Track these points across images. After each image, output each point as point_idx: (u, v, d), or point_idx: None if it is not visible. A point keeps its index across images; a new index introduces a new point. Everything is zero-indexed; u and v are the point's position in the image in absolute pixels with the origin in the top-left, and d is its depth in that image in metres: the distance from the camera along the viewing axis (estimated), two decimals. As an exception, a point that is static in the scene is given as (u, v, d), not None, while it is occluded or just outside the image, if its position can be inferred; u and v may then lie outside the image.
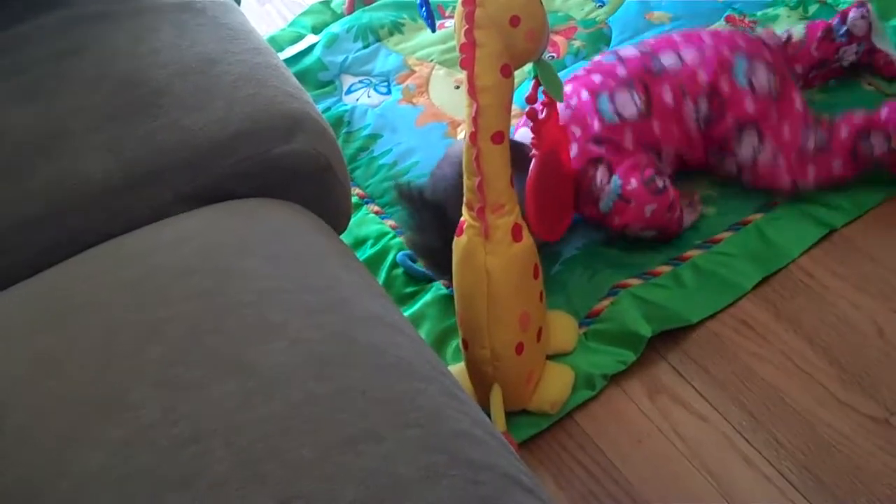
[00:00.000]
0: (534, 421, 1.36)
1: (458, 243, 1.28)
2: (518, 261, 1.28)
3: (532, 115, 1.36)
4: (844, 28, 1.67)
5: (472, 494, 0.72)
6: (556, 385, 1.37)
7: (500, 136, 1.23)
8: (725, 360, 1.40)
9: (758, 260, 1.49)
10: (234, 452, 0.73)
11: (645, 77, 1.53)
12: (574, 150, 1.50)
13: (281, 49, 2.01)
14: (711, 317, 1.45)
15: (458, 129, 1.77)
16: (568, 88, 1.56)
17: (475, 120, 1.22)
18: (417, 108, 1.84)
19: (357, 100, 1.89)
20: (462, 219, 1.28)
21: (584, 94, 1.53)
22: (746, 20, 1.83)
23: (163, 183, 1.03)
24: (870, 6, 1.68)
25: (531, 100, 1.36)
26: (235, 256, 0.90)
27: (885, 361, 1.36)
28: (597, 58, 1.65)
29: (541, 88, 1.34)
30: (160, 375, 0.78)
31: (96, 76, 1.11)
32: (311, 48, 2.00)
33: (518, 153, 1.32)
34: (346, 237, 1.65)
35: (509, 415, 1.34)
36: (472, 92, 1.22)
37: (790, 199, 1.55)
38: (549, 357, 1.40)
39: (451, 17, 2.01)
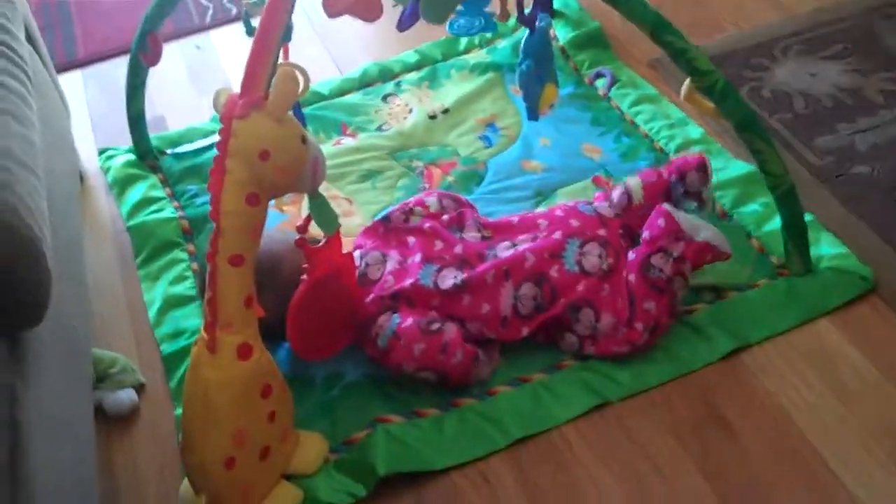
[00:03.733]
0: (247, 535, 1.38)
1: (192, 351, 1.33)
2: (241, 379, 1.31)
3: (301, 244, 1.42)
4: (682, 190, 1.68)
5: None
6: (279, 504, 1.40)
7: (239, 259, 1.29)
8: (453, 513, 1.40)
9: (523, 418, 1.49)
10: None
11: (474, 261, 1.59)
12: (372, 295, 1.56)
13: (192, 140, 2.12)
14: (460, 465, 1.45)
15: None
16: (411, 241, 1.63)
17: (214, 240, 1.28)
18: (283, 216, 1.90)
19: (237, 198, 1.95)
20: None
21: (417, 258, 1.60)
22: (612, 184, 1.85)
23: None
24: (709, 167, 1.69)
25: (301, 230, 1.42)
26: None
27: (601, 544, 1.35)
28: (446, 217, 1.69)
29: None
30: None
31: None
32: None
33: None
34: (167, 327, 1.72)
35: (225, 525, 1.37)
36: (215, 214, 1.28)
37: (577, 363, 1.55)
38: (289, 476, 1.43)
39: (351, 135, 2.08)
